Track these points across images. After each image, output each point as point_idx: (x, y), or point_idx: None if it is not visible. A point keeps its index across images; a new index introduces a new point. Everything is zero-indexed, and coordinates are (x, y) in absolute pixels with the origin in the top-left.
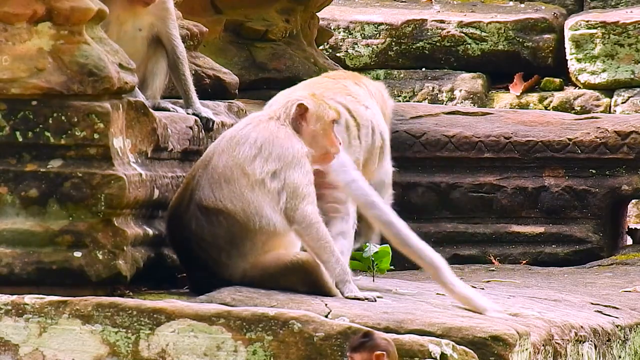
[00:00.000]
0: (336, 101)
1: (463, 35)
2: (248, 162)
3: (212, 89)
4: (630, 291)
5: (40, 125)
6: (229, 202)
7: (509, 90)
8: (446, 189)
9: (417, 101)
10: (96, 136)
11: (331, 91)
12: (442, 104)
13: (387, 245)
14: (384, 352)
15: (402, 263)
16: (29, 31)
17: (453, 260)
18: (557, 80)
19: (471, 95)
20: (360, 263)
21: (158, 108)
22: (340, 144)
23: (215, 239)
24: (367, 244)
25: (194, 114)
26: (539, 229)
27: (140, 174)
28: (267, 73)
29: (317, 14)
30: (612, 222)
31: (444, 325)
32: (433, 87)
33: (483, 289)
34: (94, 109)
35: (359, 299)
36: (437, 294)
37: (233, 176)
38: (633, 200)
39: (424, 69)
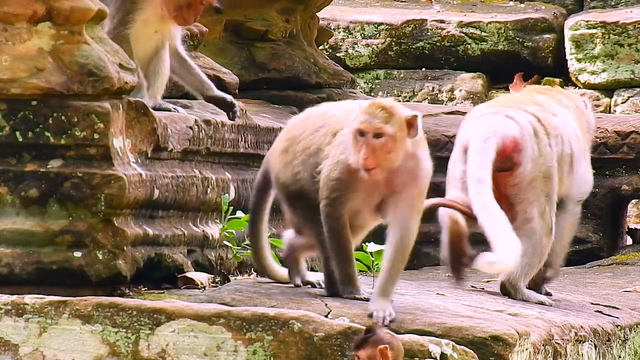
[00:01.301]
0: (525, 110)
1: (463, 35)
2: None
3: None
4: (630, 291)
5: (40, 125)
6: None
7: (509, 90)
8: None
9: (417, 101)
10: (96, 136)
11: (520, 102)
12: (442, 104)
13: None
14: (387, 345)
15: None
16: (29, 31)
17: None
18: (557, 80)
19: (471, 95)
20: (360, 263)
21: (159, 108)
22: (365, 158)
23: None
24: (367, 244)
25: (218, 97)
26: None
27: (140, 174)
28: (267, 73)
29: (317, 14)
30: (612, 222)
31: (444, 325)
32: (433, 87)
33: (483, 288)
34: (94, 109)
35: (357, 299)
36: (437, 294)
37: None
38: (633, 200)
39: (424, 69)
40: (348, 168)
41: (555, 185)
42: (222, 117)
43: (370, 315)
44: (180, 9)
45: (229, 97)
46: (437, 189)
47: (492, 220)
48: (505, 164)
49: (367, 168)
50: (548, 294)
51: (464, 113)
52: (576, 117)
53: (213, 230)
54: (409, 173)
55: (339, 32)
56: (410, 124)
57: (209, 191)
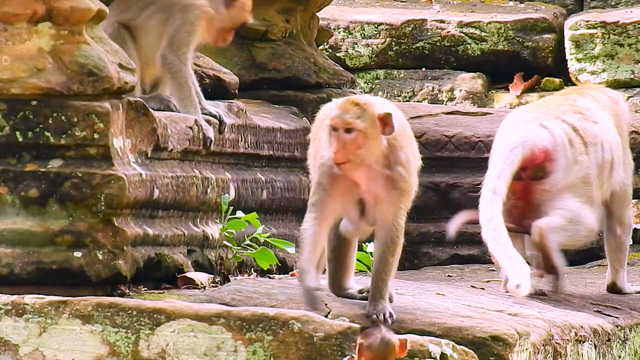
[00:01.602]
0: (562, 120)
1: (463, 35)
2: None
3: (212, 89)
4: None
5: (40, 125)
6: None
7: (509, 90)
8: (446, 189)
9: (417, 101)
10: (96, 136)
11: (560, 109)
12: (442, 104)
13: None
14: (361, 343)
15: (402, 263)
16: (29, 31)
17: (453, 260)
18: (557, 80)
19: (471, 95)
20: (360, 263)
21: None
22: (335, 152)
23: None
24: (367, 244)
25: (209, 114)
26: None
27: (140, 174)
28: (267, 73)
29: (317, 14)
30: None
31: (444, 325)
32: (433, 87)
33: (483, 288)
34: (94, 109)
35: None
36: (437, 293)
37: None
38: (633, 200)
39: (424, 69)
40: (326, 171)
41: (596, 190)
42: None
43: (369, 316)
44: (222, 31)
45: (218, 113)
46: (436, 189)
47: (496, 237)
48: (537, 172)
49: (337, 162)
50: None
51: (464, 113)
52: (615, 118)
53: (213, 230)
54: (389, 174)
55: (339, 32)
56: (384, 121)
57: (209, 191)
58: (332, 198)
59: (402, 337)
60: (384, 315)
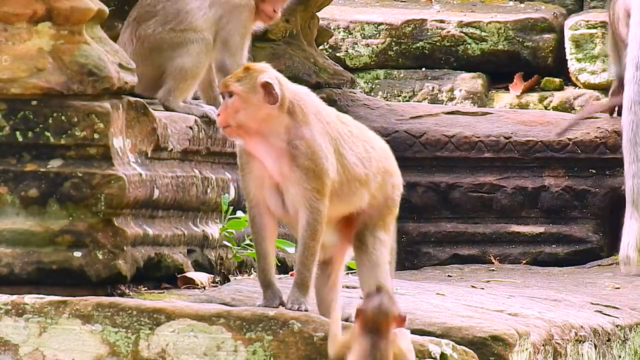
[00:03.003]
0: None
1: (463, 35)
2: None
3: None
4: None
5: (40, 125)
6: None
7: (509, 90)
8: (446, 189)
9: (417, 101)
10: (96, 136)
11: None
12: (442, 104)
13: None
14: (357, 307)
15: (402, 263)
16: (29, 31)
17: (453, 260)
18: (557, 80)
19: (471, 95)
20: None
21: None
22: (217, 115)
23: None
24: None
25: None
26: (539, 229)
27: (140, 174)
28: None
29: (317, 14)
30: (612, 222)
31: (444, 325)
32: (433, 87)
33: (483, 288)
34: (94, 109)
35: (264, 306)
36: (437, 293)
37: None
38: None
39: (423, 69)
40: (240, 150)
41: None
42: None
43: (282, 305)
44: (272, 8)
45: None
46: (436, 189)
47: None
48: None
49: (219, 125)
50: None
51: (464, 113)
52: None
53: (213, 230)
54: (289, 149)
55: (339, 32)
56: (266, 88)
57: (209, 191)
58: (250, 180)
59: (403, 312)
60: (299, 308)
